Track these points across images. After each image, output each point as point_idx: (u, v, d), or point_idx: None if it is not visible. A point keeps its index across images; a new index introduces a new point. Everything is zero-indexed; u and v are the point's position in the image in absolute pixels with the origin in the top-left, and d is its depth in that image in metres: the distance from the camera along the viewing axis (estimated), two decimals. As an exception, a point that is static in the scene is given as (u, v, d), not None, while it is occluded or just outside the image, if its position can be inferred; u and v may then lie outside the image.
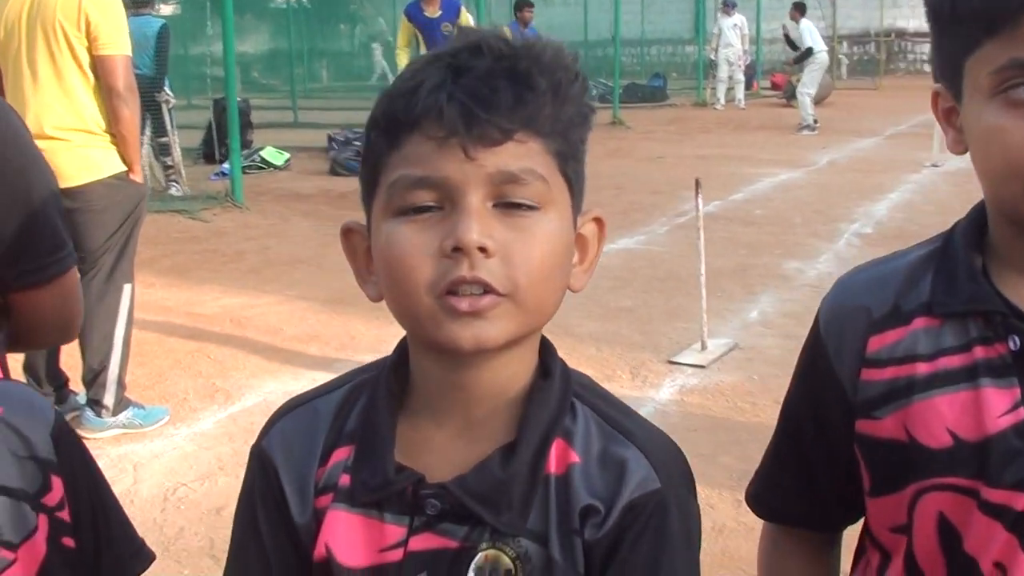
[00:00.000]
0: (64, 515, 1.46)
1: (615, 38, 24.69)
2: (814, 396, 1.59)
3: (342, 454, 1.38)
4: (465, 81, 1.21)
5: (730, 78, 27.64)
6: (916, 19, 42.42)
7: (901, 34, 42.50)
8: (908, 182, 14.82)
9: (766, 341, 7.40)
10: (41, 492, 1.44)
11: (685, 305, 7.94)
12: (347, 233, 1.39)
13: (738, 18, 27.42)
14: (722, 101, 27.29)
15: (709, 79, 28.57)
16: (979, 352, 1.42)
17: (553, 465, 1.32)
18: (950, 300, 1.46)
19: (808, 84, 21.88)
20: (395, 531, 1.32)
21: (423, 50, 11.86)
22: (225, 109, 14.23)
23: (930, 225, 11.41)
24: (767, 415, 6.01)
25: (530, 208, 1.24)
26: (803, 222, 11.85)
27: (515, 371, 1.33)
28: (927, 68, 41.86)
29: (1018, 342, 1.39)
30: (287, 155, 16.54)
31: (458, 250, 1.21)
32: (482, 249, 1.20)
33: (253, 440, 4.96)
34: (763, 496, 1.72)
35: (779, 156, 17.22)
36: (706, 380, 6.64)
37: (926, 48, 42.19)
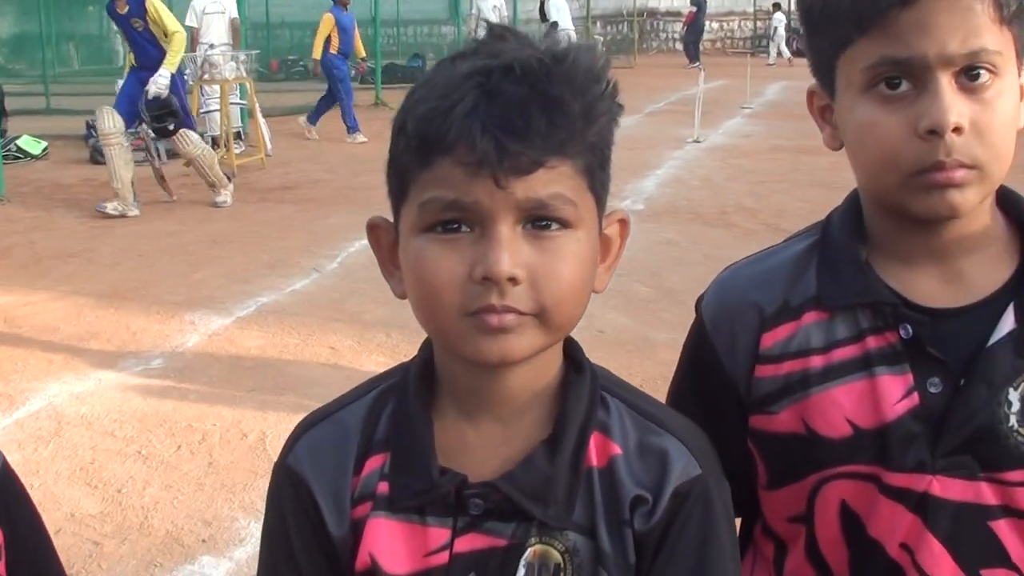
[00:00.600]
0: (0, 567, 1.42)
1: (375, 19, 24.54)
2: (703, 394, 1.62)
3: (376, 462, 1.38)
4: (498, 109, 1.21)
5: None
6: (666, -1, 43.46)
7: (652, 13, 43.44)
8: (673, 158, 15.14)
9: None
10: None
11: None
12: (373, 228, 1.40)
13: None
14: (484, 81, 27.49)
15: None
16: (871, 342, 1.47)
17: (595, 458, 1.34)
18: (838, 293, 1.50)
19: None
20: (439, 534, 1.33)
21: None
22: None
23: (699, 200, 11.79)
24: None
25: (559, 229, 1.26)
26: (574, 201, 11.98)
27: (544, 370, 1.36)
28: (679, 47, 42.97)
29: (909, 330, 1.45)
30: (45, 144, 15.98)
31: (488, 279, 1.22)
32: (512, 279, 1.22)
33: (44, 447, 4.79)
34: None
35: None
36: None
37: (677, 27, 43.37)
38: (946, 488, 1.43)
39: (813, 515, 1.53)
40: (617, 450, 1.34)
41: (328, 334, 7.23)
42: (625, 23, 41.63)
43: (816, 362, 1.50)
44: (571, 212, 1.26)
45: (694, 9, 36.96)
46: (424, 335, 1.40)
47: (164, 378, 6.53)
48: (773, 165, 14.41)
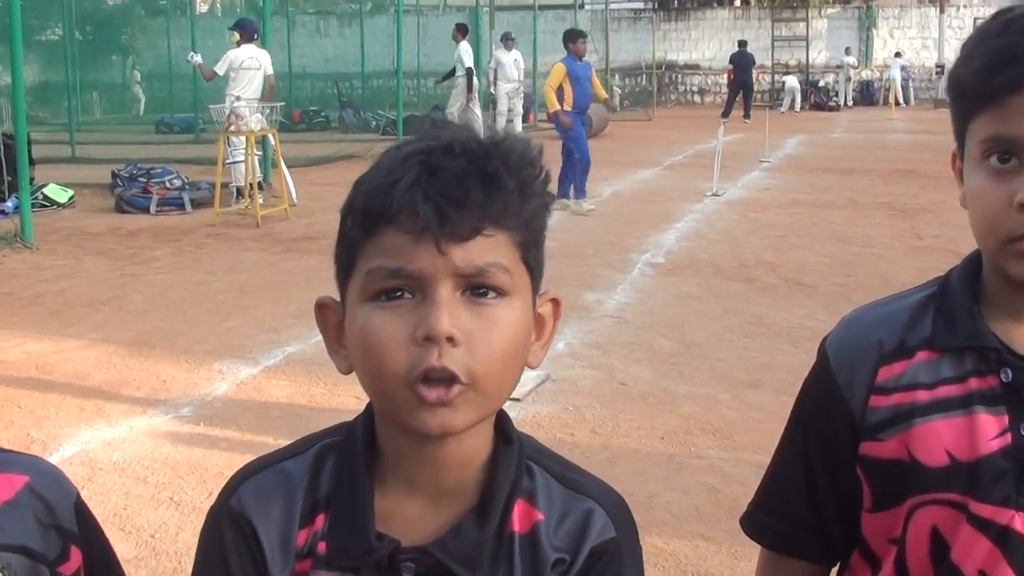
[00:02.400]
0: None
1: (397, 71, 24.76)
2: (821, 423, 1.76)
3: (321, 521, 1.44)
4: (439, 181, 1.31)
5: (510, 111, 27.97)
6: (684, 52, 43.69)
7: (671, 66, 43.70)
8: (692, 211, 15.26)
9: (576, 372, 7.58)
10: (60, 559, 1.51)
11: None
12: (321, 307, 1.46)
13: (516, 52, 27.79)
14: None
15: (488, 112, 28.85)
16: (974, 383, 1.61)
17: (517, 524, 1.43)
18: (950, 336, 1.65)
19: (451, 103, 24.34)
20: None
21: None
22: (7, 144, 13.88)
23: (719, 253, 11.88)
24: (586, 444, 6.18)
25: (495, 297, 1.35)
26: (596, 253, 12.11)
27: (478, 441, 1.43)
28: (697, 99, 43.22)
29: (1009, 375, 1.59)
30: (71, 192, 16.16)
31: (429, 339, 1.30)
32: (450, 339, 1.30)
33: (78, 491, 4.87)
34: (767, 524, 1.85)
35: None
36: (523, 413, 6.75)
37: (696, 79, 43.62)
38: None
39: (906, 537, 1.66)
40: (540, 516, 1.44)
41: (354, 384, 7.20)
42: (644, 75, 41.89)
43: (922, 396, 1.64)
44: (506, 280, 1.34)
45: (730, 67, 37.25)
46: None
47: (194, 426, 6.64)
48: (792, 219, 14.51)
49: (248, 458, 5.16)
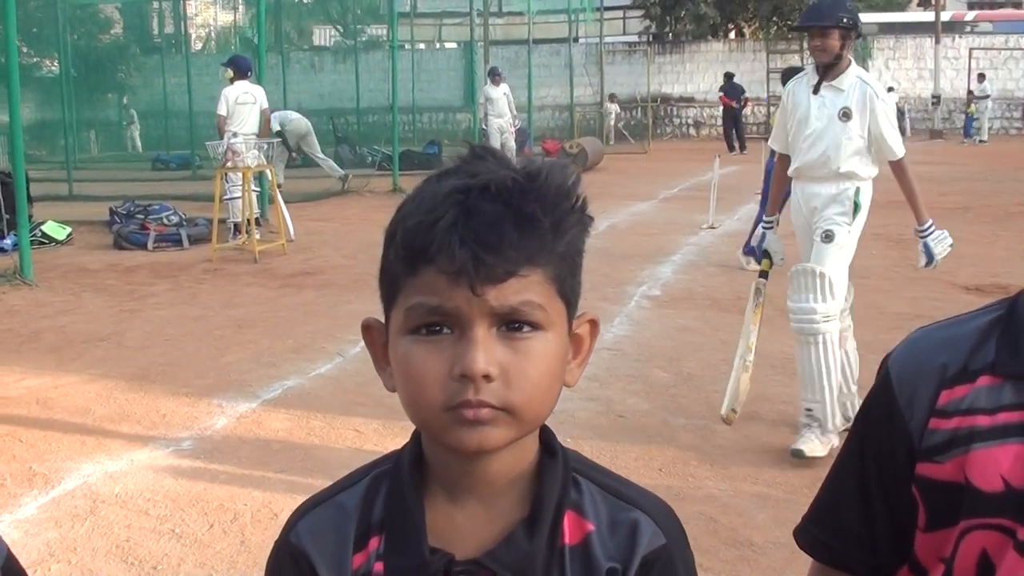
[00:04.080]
0: None
1: (392, 107, 24.84)
2: (880, 441, 1.77)
3: (375, 543, 1.50)
4: (475, 224, 1.36)
5: (503, 146, 28.06)
6: (680, 85, 43.85)
7: (666, 99, 43.87)
8: (688, 244, 15.33)
9: (573, 404, 7.60)
10: None
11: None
12: (367, 329, 1.52)
13: (505, 87, 27.89)
14: (496, 168, 27.65)
15: (482, 147, 28.90)
16: None
17: (568, 536, 1.47)
18: (1013, 362, 1.65)
19: None
20: None
21: None
22: (4, 182, 13.94)
23: (715, 286, 11.91)
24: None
25: (530, 331, 1.39)
26: (592, 286, 12.09)
27: (520, 456, 1.48)
28: (692, 132, 43.35)
29: None
30: (69, 229, 16.23)
31: (465, 376, 1.36)
32: (486, 376, 1.36)
33: (80, 525, 4.93)
34: (820, 537, 1.86)
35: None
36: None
37: (691, 112, 43.77)
38: None
39: (955, 557, 1.67)
40: (591, 527, 1.48)
41: (353, 417, 7.37)
42: (639, 108, 42.05)
43: (982, 421, 1.64)
44: (541, 316, 1.39)
45: (721, 95, 37.41)
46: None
47: (195, 459, 6.68)
48: (788, 251, 14.40)
49: (248, 491, 5.21)
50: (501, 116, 27.31)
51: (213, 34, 47.72)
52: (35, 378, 8.54)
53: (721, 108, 38.60)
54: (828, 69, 6.84)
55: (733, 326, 10.01)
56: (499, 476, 1.47)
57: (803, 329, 6.68)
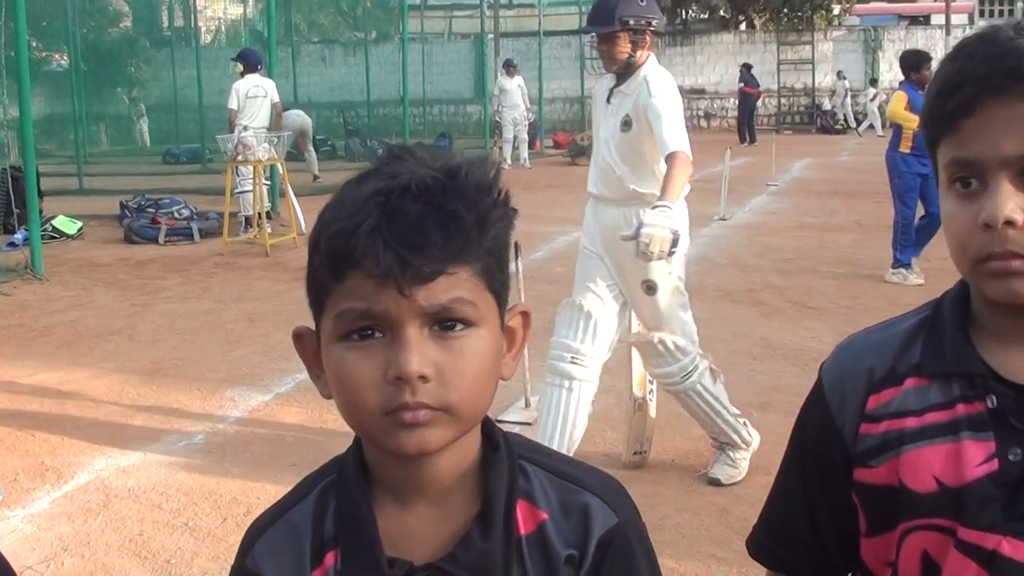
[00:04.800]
0: None
1: (403, 99, 24.85)
2: (818, 448, 1.78)
3: (331, 559, 1.49)
4: (398, 227, 1.35)
5: (515, 138, 28.05)
6: (690, 77, 43.77)
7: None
8: (700, 236, 15.25)
9: (595, 399, 7.58)
10: None
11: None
12: (299, 338, 1.51)
13: (519, 78, 27.90)
14: (508, 161, 27.69)
15: (495, 139, 28.94)
16: (961, 409, 1.62)
17: (523, 526, 1.47)
18: (937, 362, 1.66)
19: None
20: None
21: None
22: (15, 177, 13.96)
23: (726, 278, 11.89)
24: (598, 467, 6.19)
25: (462, 328, 1.39)
26: (603, 279, 12.08)
27: (464, 453, 1.47)
28: (703, 124, 43.28)
29: (995, 401, 1.59)
30: (80, 224, 16.25)
31: (400, 379, 1.35)
32: (421, 377, 1.35)
33: (93, 519, 4.94)
34: (769, 546, 1.87)
35: (571, 214, 17.40)
36: (535, 436, 6.75)
37: (702, 104, 43.71)
38: (1015, 549, 1.56)
39: (898, 561, 1.68)
40: (544, 515, 1.48)
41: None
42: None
43: (911, 423, 1.65)
44: (472, 312, 1.39)
45: (742, 86, 37.33)
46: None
47: (207, 453, 6.69)
48: (799, 243, 14.56)
49: (262, 484, 5.21)
50: (515, 108, 27.34)
51: (223, 27, 47.69)
52: (47, 373, 8.56)
53: (737, 99, 38.51)
54: (621, 75, 5.88)
55: (745, 318, 10.04)
56: (445, 476, 1.46)
57: (677, 392, 6.11)
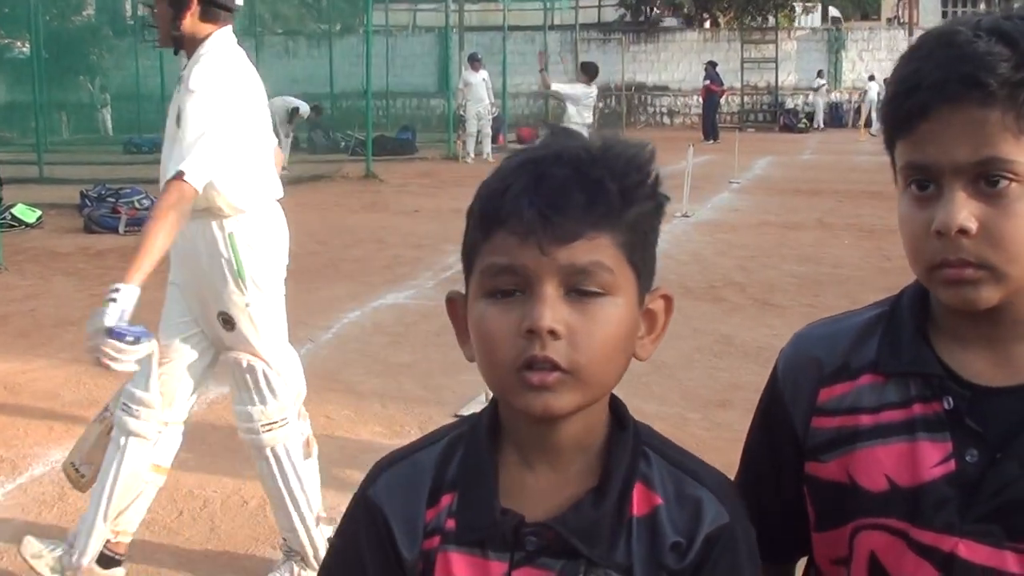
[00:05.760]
0: None
1: (366, 92, 24.75)
2: (771, 438, 1.79)
3: (447, 500, 1.57)
4: (544, 188, 1.42)
5: (479, 132, 28.03)
6: (654, 74, 43.85)
7: (641, 88, 43.84)
8: (662, 233, 15.14)
9: (546, 393, 7.57)
10: None
11: (464, 359, 7.96)
12: (450, 302, 1.59)
13: (484, 73, 27.88)
14: (472, 155, 27.66)
15: (459, 132, 28.89)
16: (917, 409, 1.62)
17: (636, 507, 1.51)
18: (894, 361, 1.66)
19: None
20: (498, 567, 1.51)
21: None
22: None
23: (688, 274, 11.91)
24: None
25: (598, 295, 1.43)
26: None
27: (591, 425, 1.54)
28: (666, 121, 43.37)
29: (951, 402, 1.59)
30: (39, 212, 16.12)
31: (532, 332, 1.41)
32: (552, 332, 1.40)
33: (48, 511, 4.86)
34: None
35: (534, 208, 17.51)
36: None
37: (665, 101, 43.79)
38: (972, 552, 1.56)
39: (850, 561, 1.68)
40: (659, 500, 1.52)
41: (324, 404, 7.32)
42: (613, 97, 42.02)
43: (865, 420, 1.65)
44: (608, 279, 1.43)
45: (708, 83, 37.38)
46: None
47: (164, 445, 6.61)
48: (761, 240, 14.59)
49: (219, 477, 5.15)
50: (479, 102, 27.35)
51: (186, 17, 47.43)
52: (3, 363, 8.50)
53: (701, 97, 38.55)
54: (186, 55, 4.66)
55: (706, 315, 10.06)
56: (569, 443, 1.52)
57: (251, 444, 4.91)
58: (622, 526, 1.50)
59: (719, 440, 6.57)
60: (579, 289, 1.42)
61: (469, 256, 1.51)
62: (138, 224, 15.41)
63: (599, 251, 1.42)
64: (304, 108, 23.98)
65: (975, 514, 1.56)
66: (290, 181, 19.37)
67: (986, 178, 1.50)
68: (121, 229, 15.26)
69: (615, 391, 1.55)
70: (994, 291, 1.53)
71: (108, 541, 4.79)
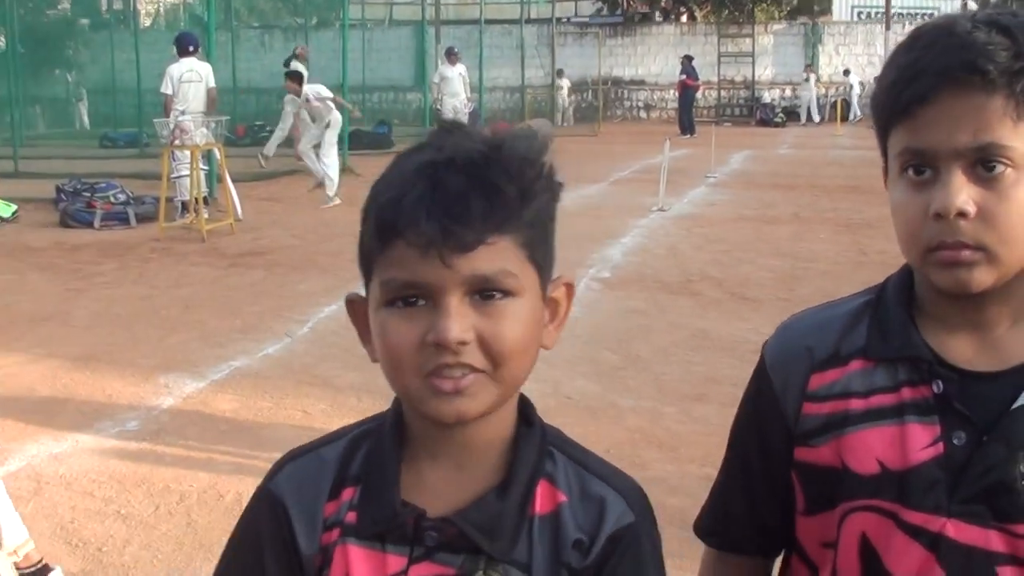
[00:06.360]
0: None
1: (343, 86, 24.68)
2: (759, 427, 1.80)
3: (348, 494, 1.55)
4: (441, 197, 1.39)
5: (457, 126, 28.02)
6: (631, 68, 43.87)
7: (617, 82, 43.85)
8: (638, 227, 15.32)
9: (528, 387, 7.58)
10: None
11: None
12: (350, 303, 1.56)
13: (460, 67, 27.86)
14: (447, 148, 27.66)
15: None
16: (907, 393, 1.65)
17: (540, 505, 1.51)
18: (883, 346, 1.68)
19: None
20: (396, 561, 1.50)
21: None
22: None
23: (664, 269, 11.94)
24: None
25: (503, 296, 1.42)
26: (541, 268, 12.07)
27: (498, 424, 1.52)
28: (643, 115, 43.39)
29: (940, 386, 1.62)
30: (15, 207, 16.06)
31: (439, 345, 1.39)
32: (462, 343, 1.39)
33: (24, 506, 4.86)
34: (710, 525, 1.91)
35: (511, 203, 17.48)
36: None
37: (641, 95, 43.80)
38: (959, 531, 1.59)
39: (839, 543, 1.70)
40: (563, 498, 1.52)
41: (301, 398, 7.34)
42: (590, 91, 42.04)
43: (856, 405, 1.68)
44: (513, 283, 1.42)
45: (684, 78, 37.39)
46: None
47: (140, 440, 6.63)
48: (737, 234, 14.61)
49: (195, 472, 5.16)
50: (455, 96, 27.30)
51: (162, 10, 47.28)
52: (-22, 358, 8.44)
53: (677, 91, 38.57)
54: None
55: (682, 309, 10.08)
56: (476, 442, 1.51)
57: None
58: (524, 523, 1.50)
59: (695, 434, 6.60)
60: (483, 294, 1.41)
61: (367, 262, 1.49)
62: (113, 218, 15.40)
63: (501, 256, 1.41)
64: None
65: (962, 495, 1.59)
66: (266, 175, 19.50)
67: (983, 163, 1.53)
68: (96, 223, 15.21)
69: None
70: (987, 274, 1.56)
71: (16, 564, 4.76)
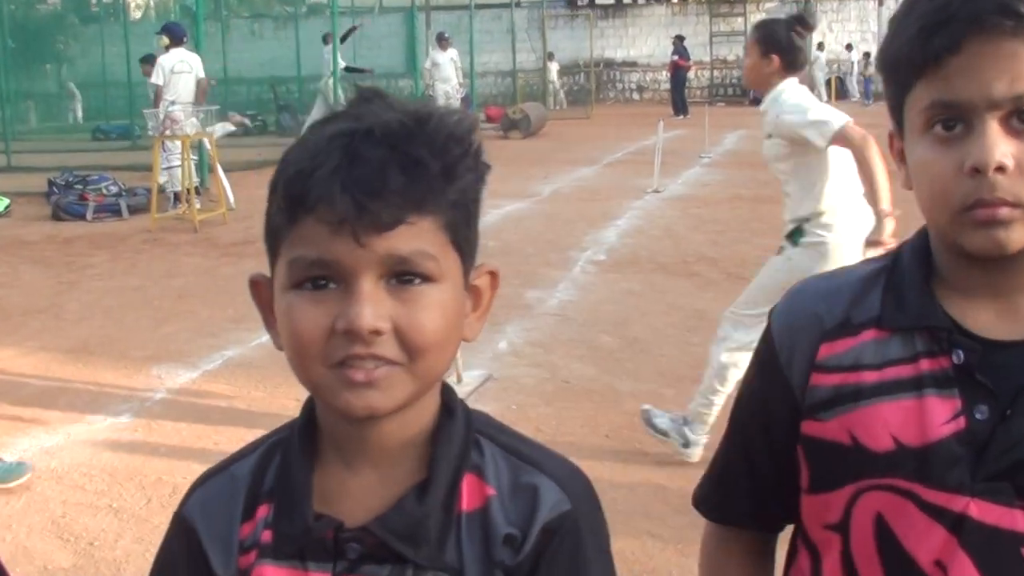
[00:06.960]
0: None
1: (334, 73, 24.64)
2: (764, 397, 1.70)
3: (263, 511, 1.43)
4: (357, 171, 1.27)
5: (449, 111, 27.99)
6: (622, 49, 43.82)
7: (609, 64, 43.81)
8: (633, 208, 15.28)
9: (518, 371, 7.55)
10: None
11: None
12: (254, 284, 1.44)
13: (452, 52, 27.81)
14: (440, 134, 27.63)
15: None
16: (924, 364, 1.54)
17: (467, 501, 1.39)
18: (899, 316, 1.58)
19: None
20: None
21: None
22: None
23: (660, 250, 11.88)
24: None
25: (422, 281, 1.31)
26: (536, 252, 12.09)
27: (416, 418, 1.39)
28: (636, 96, 43.35)
29: (961, 356, 1.51)
30: (7, 201, 16.01)
31: (350, 333, 1.27)
32: (376, 332, 1.27)
33: (16, 500, 4.82)
34: (710, 498, 1.81)
35: (503, 188, 17.30)
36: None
37: (634, 77, 43.75)
38: (983, 511, 1.49)
39: (849, 526, 1.60)
40: (491, 491, 1.40)
41: (294, 387, 7.21)
42: (582, 74, 41.97)
43: (868, 377, 1.57)
44: (433, 267, 1.31)
45: (676, 58, 37.34)
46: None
47: (133, 432, 6.57)
48: (733, 214, 14.56)
49: (188, 463, 5.10)
50: (447, 81, 27.27)
51: (152, 2, 47.14)
52: (-30, 352, 8.38)
53: (669, 72, 38.52)
54: None
55: (679, 290, 10.03)
56: (393, 439, 1.39)
57: None
58: (451, 523, 1.38)
59: (694, 415, 6.53)
60: (401, 278, 1.30)
61: (274, 240, 1.36)
62: (106, 210, 15.33)
63: (421, 237, 1.30)
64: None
65: (985, 472, 1.49)
66: (258, 164, 19.41)
67: (1020, 114, 1.44)
68: (89, 216, 15.15)
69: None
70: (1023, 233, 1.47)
71: None
